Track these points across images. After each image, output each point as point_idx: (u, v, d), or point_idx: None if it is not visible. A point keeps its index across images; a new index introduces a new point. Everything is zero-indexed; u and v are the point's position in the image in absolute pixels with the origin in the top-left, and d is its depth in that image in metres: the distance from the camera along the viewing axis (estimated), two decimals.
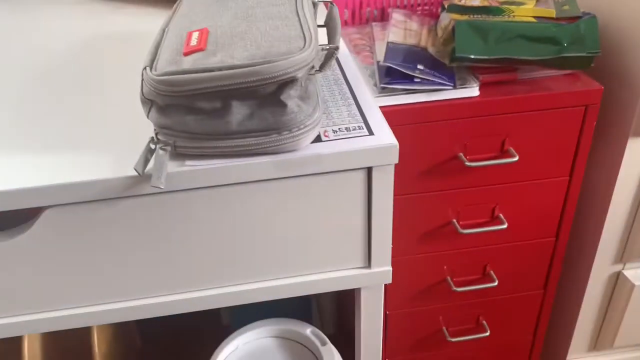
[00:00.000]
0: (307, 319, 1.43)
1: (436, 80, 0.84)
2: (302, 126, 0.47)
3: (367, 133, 0.50)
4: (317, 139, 0.50)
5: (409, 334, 1.09)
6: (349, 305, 1.03)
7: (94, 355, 1.08)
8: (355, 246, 0.55)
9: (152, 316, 0.56)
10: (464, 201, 0.94)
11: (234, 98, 0.45)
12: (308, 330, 1.13)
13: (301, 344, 1.16)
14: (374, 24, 1.06)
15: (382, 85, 0.85)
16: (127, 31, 0.77)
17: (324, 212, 0.52)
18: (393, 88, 0.85)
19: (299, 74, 0.44)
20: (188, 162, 0.47)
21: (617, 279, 1.12)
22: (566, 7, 0.90)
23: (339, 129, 0.51)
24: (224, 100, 0.45)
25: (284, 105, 0.45)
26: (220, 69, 0.43)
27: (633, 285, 1.09)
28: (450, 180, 0.92)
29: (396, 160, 0.50)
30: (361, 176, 0.50)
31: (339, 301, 1.21)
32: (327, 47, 0.50)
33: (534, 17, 0.87)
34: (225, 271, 0.53)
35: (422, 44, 0.93)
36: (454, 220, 0.96)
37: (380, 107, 0.83)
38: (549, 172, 0.94)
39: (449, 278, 1.02)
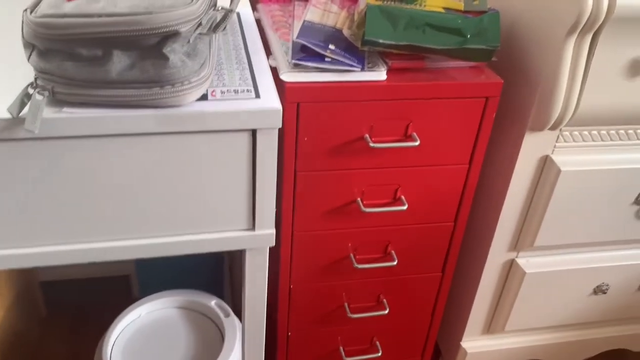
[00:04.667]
0: (219, 292, 1.44)
1: (346, 61, 0.86)
2: (186, 82, 0.48)
3: (254, 96, 0.51)
4: (204, 98, 0.50)
5: (312, 309, 1.12)
6: None
7: None
8: (239, 208, 0.56)
9: (17, 267, 0.54)
10: (368, 181, 0.98)
11: (115, 47, 0.45)
12: (213, 302, 1.14)
13: (205, 315, 1.17)
14: (297, 2, 1.07)
15: (294, 62, 0.87)
16: None
17: (208, 172, 0.53)
18: (305, 65, 0.87)
19: (182, 29, 0.45)
20: (66, 109, 0.47)
21: (510, 266, 1.19)
22: (477, 2, 0.94)
23: (227, 90, 0.52)
24: (104, 48, 0.45)
25: (166, 58, 0.46)
26: (100, 15, 0.43)
27: (524, 273, 1.16)
28: (356, 160, 0.95)
29: (279, 125, 0.51)
30: (246, 138, 0.52)
31: None
32: (223, 9, 0.51)
33: (444, 8, 0.90)
34: (100, 225, 0.53)
35: (339, 25, 0.95)
36: (359, 199, 0.99)
37: (291, 82, 0.84)
38: (449, 159, 0.98)
39: (351, 255, 1.06)
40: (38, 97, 0.45)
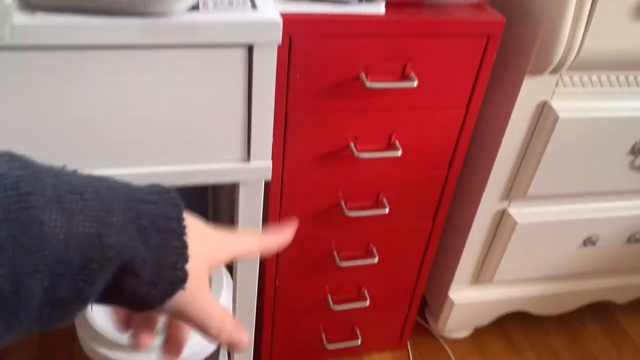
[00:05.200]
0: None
1: None
2: None
3: (251, 7, 0.46)
4: (195, 9, 0.45)
5: (300, 257, 1.10)
6: None
7: None
8: (233, 136, 0.51)
9: None
10: (362, 125, 0.93)
11: None
12: None
13: None
14: None
15: None
16: None
17: (199, 94, 0.48)
18: None
19: None
20: (39, 14, 0.41)
21: (502, 216, 1.17)
22: None
23: (220, 1, 0.47)
24: None
25: None
26: None
27: (515, 223, 1.15)
28: (350, 102, 0.90)
29: (279, 40, 0.46)
30: (241, 55, 0.47)
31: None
32: None
33: None
34: (73, 151, 0.48)
35: None
36: (352, 144, 0.95)
37: (284, 13, 0.78)
38: (447, 102, 0.95)
39: (342, 202, 1.02)
40: (8, 1, 0.40)
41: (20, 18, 0.41)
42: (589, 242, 1.23)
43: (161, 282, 0.32)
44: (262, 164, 0.54)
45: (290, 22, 0.79)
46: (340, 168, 0.98)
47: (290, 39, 0.80)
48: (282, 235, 0.41)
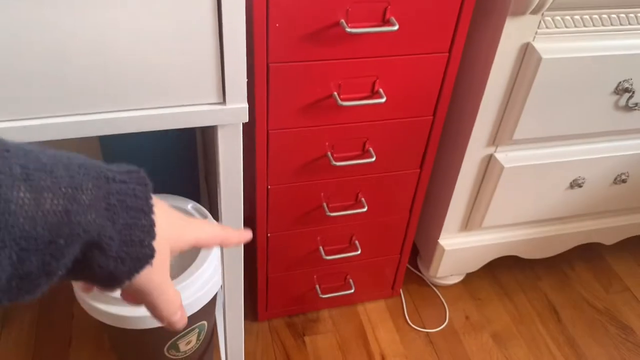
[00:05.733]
0: (195, 194, 1.42)
1: None
2: None
3: None
4: None
5: (291, 209, 1.11)
6: None
7: None
8: (206, 75, 0.51)
9: None
10: (345, 73, 0.93)
11: None
12: (189, 206, 1.12)
13: None
14: None
15: None
16: None
17: (170, 27, 0.47)
18: None
19: None
20: None
21: (489, 161, 1.18)
22: None
23: None
24: None
25: None
26: None
27: (502, 167, 1.16)
28: (332, 49, 0.90)
29: None
30: None
31: None
32: None
33: None
34: (39, 94, 0.47)
35: None
36: (335, 93, 0.95)
37: None
38: (429, 46, 0.94)
39: (329, 153, 1.03)
40: None
41: None
42: (575, 184, 1.25)
43: (129, 259, 0.33)
44: (239, 105, 0.55)
45: None
46: (325, 118, 0.99)
47: None
48: (242, 233, 0.43)
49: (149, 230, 0.34)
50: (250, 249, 1.17)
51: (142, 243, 0.34)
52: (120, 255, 0.33)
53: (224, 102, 0.55)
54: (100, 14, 0.45)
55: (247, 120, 0.56)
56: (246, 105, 0.56)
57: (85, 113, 0.50)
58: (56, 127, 0.49)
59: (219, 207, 0.67)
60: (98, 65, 0.48)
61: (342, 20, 0.87)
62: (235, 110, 0.55)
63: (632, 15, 1.01)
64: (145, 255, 0.34)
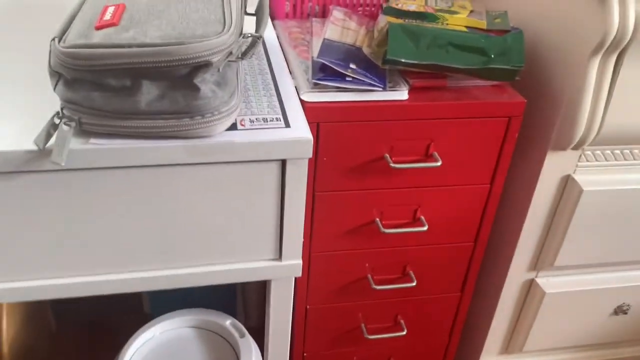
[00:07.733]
0: (231, 310, 1.42)
1: (367, 80, 0.85)
2: (216, 112, 0.46)
3: (284, 125, 0.50)
4: (233, 127, 0.49)
5: (328, 329, 1.10)
6: None
7: (1, 338, 1.03)
8: (266, 238, 0.54)
9: (46, 298, 0.54)
10: (388, 201, 0.96)
11: (144, 77, 0.44)
12: (227, 322, 1.12)
13: (220, 335, 1.15)
14: (314, 19, 1.06)
15: (315, 81, 0.85)
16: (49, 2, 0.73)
17: (237, 202, 0.51)
18: (325, 84, 0.85)
19: (214, 59, 0.43)
20: (93, 140, 0.45)
21: (530, 286, 1.17)
22: (498, 20, 0.92)
23: (256, 119, 0.51)
24: (133, 78, 0.44)
25: (197, 89, 0.44)
26: (130, 45, 0.42)
27: (544, 293, 1.14)
28: (375, 180, 0.93)
29: (310, 155, 0.50)
30: (275, 168, 0.50)
31: (264, 294, 1.21)
32: (251, 36, 0.49)
33: (466, 26, 0.89)
34: (131, 256, 0.52)
35: (358, 43, 0.94)
36: (377, 220, 0.97)
37: (311, 102, 0.83)
38: (471, 179, 0.97)
39: (369, 276, 1.04)
40: (65, 128, 0.44)
41: (77, 144, 0.45)
42: (620, 310, 1.22)
43: None
44: (293, 262, 0.57)
45: (318, 110, 0.83)
46: (367, 242, 1.00)
47: (318, 125, 0.84)
48: None
49: None
50: None
51: None
52: None
53: (279, 259, 0.57)
54: (188, 199, 0.50)
55: (300, 275, 0.58)
56: (300, 262, 0.58)
57: (177, 267, 0.54)
58: (164, 279, 0.54)
59: (264, 349, 0.68)
60: (190, 233, 0.51)
61: (387, 155, 0.90)
62: (290, 267, 0.57)
63: None
64: None
